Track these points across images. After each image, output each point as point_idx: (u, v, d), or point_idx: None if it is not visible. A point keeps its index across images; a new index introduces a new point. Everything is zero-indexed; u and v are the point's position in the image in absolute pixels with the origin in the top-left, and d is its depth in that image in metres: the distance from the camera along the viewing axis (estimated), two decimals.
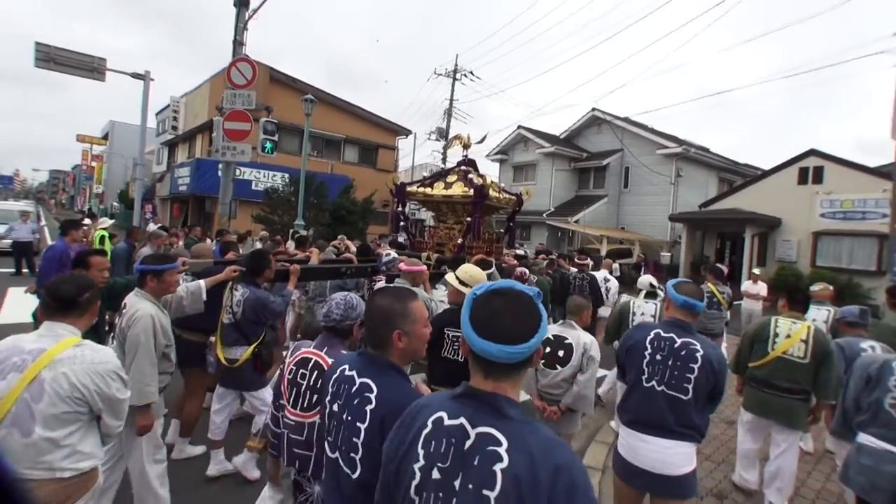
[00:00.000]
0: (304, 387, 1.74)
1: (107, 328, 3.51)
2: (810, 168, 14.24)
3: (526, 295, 1.01)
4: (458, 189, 5.32)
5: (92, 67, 11.05)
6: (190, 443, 3.34)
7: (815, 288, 4.86)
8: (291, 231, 10.80)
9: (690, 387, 2.08)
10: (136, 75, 11.97)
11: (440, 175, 5.75)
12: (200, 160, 18.01)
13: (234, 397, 3.28)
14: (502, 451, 0.90)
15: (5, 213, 14.26)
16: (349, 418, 1.32)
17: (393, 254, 3.93)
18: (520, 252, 6.96)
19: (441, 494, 0.93)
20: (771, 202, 14.62)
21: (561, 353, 2.85)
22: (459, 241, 5.24)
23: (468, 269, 2.70)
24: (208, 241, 7.00)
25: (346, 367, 1.42)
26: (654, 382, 2.16)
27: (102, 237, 6.70)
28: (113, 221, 7.82)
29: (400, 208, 5.79)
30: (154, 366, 2.26)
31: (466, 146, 5.74)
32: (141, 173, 12.29)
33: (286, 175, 16.02)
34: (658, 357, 2.17)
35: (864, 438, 2.24)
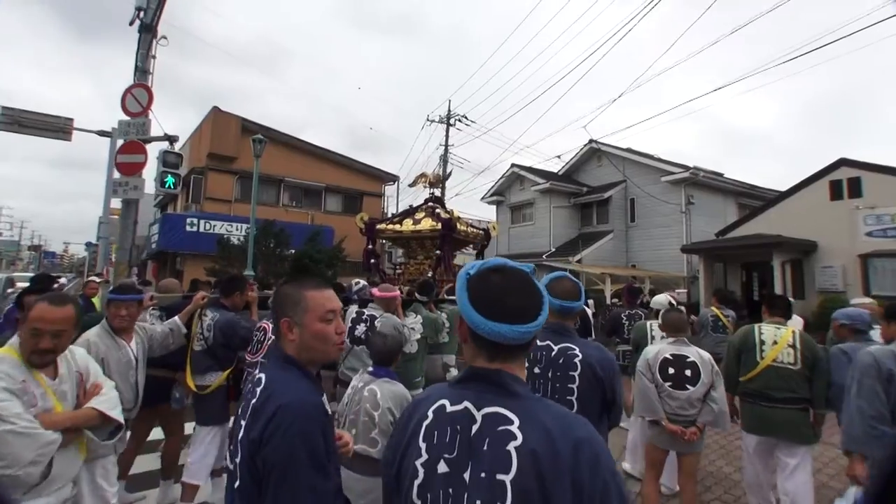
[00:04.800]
0: None
1: None
2: (843, 180, 13.73)
3: (522, 270, 1.06)
4: (426, 224, 6.20)
5: (58, 128, 12.41)
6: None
7: (855, 302, 4.71)
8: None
9: (574, 398, 2.06)
10: (102, 133, 13.28)
11: (408, 212, 6.68)
12: (167, 215, 19.24)
13: (212, 437, 3.39)
14: (514, 428, 0.89)
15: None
16: (241, 421, 1.29)
17: (362, 282, 4.69)
18: None
19: (451, 490, 0.90)
20: (801, 223, 14.16)
21: (688, 372, 3.04)
22: (430, 274, 6.07)
23: None
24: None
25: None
26: None
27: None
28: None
29: (370, 246, 6.69)
30: None
31: (432, 184, 6.73)
32: (104, 232, 13.34)
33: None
34: (536, 370, 2.13)
35: None
